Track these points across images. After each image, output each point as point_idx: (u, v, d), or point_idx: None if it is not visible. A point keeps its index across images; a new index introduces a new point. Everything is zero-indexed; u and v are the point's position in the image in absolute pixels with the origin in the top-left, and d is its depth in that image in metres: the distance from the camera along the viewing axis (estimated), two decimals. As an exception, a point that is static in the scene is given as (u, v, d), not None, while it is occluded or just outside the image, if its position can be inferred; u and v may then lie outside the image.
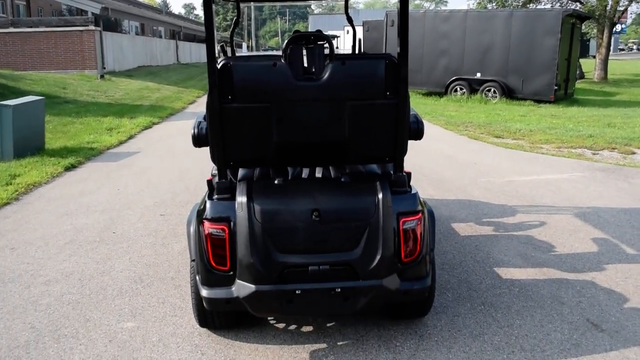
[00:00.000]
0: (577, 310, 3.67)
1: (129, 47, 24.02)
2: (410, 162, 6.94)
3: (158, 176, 7.53)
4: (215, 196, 3.06)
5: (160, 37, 33.01)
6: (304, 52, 3.01)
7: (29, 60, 20.23)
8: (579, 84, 20.05)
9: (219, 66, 2.87)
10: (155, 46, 27.80)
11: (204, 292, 3.00)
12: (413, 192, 3.14)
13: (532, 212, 5.76)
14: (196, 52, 35.09)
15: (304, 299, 2.91)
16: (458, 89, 16.60)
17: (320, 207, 2.86)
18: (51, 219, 5.74)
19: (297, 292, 2.89)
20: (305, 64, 2.99)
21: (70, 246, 4.96)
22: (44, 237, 5.18)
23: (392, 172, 3.27)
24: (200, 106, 15.53)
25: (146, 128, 11.80)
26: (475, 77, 16.12)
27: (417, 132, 3.24)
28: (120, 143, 10.07)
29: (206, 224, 2.97)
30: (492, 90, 15.79)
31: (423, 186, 6.73)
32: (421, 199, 3.25)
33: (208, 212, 3.00)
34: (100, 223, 5.57)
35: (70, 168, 8.05)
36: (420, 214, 3.04)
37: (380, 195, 2.91)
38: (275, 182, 3.10)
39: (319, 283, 2.89)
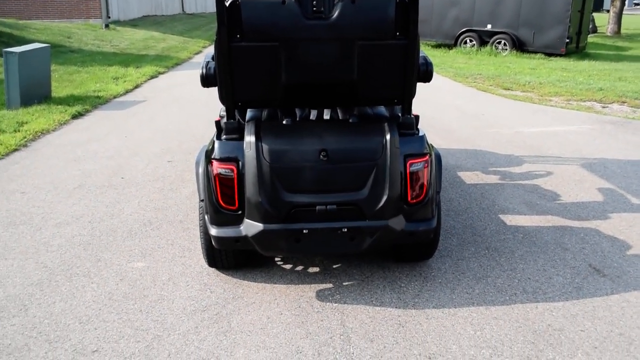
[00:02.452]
0: (580, 256, 3.72)
1: (133, -4, 23.58)
2: (417, 112, 6.95)
3: (165, 124, 7.53)
4: (224, 136, 3.07)
5: (165, -14, 32.30)
6: None
7: (32, 8, 19.92)
8: (591, 38, 19.64)
9: (227, 3, 2.83)
10: (160, -5, 27.27)
11: (213, 231, 3.05)
12: (421, 134, 3.14)
13: (538, 162, 5.75)
14: (202, 2, 34.44)
15: (311, 239, 2.96)
16: (468, 40, 16.29)
17: (327, 147, 2.87)
18: (60, 164, 5.79)
19: (304, 231, 2.93)
20: (315, 2, 2.93)
21: (79, 190, 5.02)
22: (53, 182, 5.23)
23: (400, 114, 3.27)
24: (206, 57, 15.39)
25: (152, 77, 11.71)
26: (486, 28, 15.79)
27: (426, 74, 3.21)
28: (127, 92, 10.01)
29: (215, 163, 2.99)
30: (503, 42, 15.48)
31: (430, 136, 6.68)
32: (428, 142, 3.26)
33: (217, 152, 3.02)
34: (109, 169, 5.62)
35: (77, 116, 8.05)
36: (427, 156, 3.05)
37: (387, 136, 2.92)
38: (284, 122, 3.10)
39: (326, 223, 2.93)
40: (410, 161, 2.99)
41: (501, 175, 5.33)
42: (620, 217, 4.36)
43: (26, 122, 7.31)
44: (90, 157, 6.04)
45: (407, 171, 2.99)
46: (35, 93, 8.55)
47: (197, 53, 16.60)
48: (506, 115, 8.00)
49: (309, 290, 3.31)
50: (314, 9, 2.89)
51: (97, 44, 16.71)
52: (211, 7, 32.96)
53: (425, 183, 3.05)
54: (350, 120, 3.12)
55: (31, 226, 4.26)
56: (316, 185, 2.90)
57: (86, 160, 5.93)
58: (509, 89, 10.14)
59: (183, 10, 30.56)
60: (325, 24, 2.84)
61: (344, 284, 3.38)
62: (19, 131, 6.90)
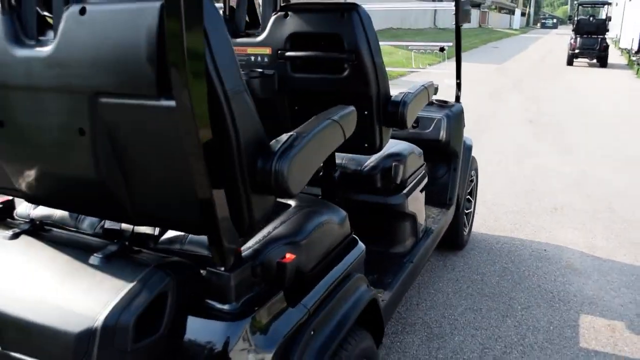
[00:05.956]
0: None
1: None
2: (593, 187, 4.55)
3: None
4: None
5: (422, -1, 31.56)
6: None
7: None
8: None
9: None
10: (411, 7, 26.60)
11: None
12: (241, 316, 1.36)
13: None
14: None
15: None
16: None
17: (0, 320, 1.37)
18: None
19: None
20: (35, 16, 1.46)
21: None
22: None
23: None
24: (422, 76, 13.89)
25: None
26: None
27: (276, 180, 1.39)
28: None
29: None
30: None
31: (594, 228, 4.29)
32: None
33: None
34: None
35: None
36: None
37: (101, 317, 1.27)
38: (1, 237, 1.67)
39: None
40: None
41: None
42: None
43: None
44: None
45: None
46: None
47: (413, 71, 15.25)
48: None
49: None
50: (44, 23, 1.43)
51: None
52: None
53: None
54: (91, 261, 1.49)
55: None
56: None
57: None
58: None
59: (435, 24, 29.48)
60: (41, 58, 1.36)
61: None
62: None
